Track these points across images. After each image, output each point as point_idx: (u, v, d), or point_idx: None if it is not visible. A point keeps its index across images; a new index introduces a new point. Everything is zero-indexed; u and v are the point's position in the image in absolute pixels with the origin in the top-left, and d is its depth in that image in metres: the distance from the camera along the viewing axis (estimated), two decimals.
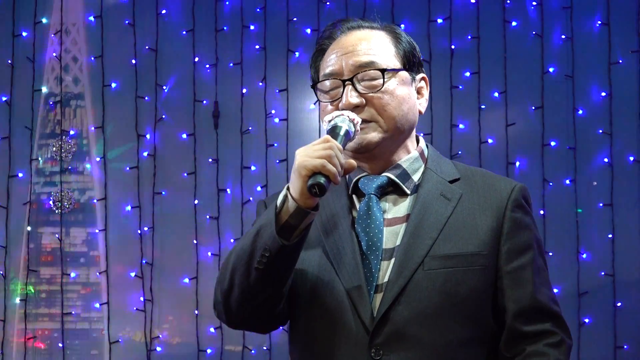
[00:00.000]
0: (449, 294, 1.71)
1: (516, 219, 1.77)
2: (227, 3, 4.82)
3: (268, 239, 1.66)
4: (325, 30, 1.89)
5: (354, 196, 1.84)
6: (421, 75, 1.89)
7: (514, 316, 1.74)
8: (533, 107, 4.71)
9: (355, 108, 1.77)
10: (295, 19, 4.78)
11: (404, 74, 1.83)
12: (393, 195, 1.82)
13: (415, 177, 1.83)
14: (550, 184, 4.67)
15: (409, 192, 1.81)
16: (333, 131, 1.72)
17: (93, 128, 4.76)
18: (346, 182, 1.86)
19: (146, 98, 4.76)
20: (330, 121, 1.74)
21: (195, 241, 4.67)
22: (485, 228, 1.76)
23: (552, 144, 4.68)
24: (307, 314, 1.78)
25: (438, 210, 1.77)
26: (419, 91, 1.88)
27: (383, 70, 1.79)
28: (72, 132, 4.76)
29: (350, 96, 1.78)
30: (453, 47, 4.75)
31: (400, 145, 1.84)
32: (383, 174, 1.82)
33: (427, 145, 1.91)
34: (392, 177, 1.81)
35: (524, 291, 1.74)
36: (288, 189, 1.68)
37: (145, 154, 4.74)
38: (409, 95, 1.83)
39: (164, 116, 4.77)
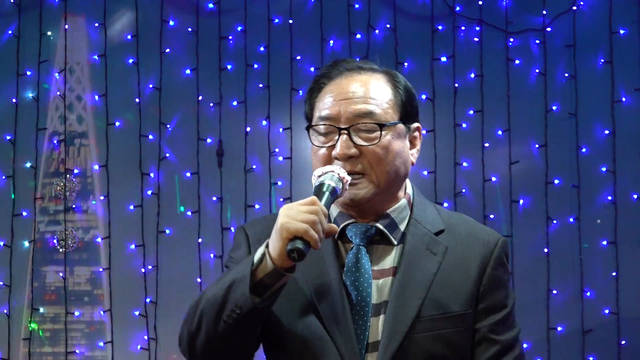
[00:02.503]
0: (436, 357, 1.73)
1: (496, 277, 1.80)
2: (230, 42, 4.83)
3: (240, 296, 1.64)
4: (324, 69, 1.87)
5: (339, 242, 1.82)
6: (415, 125, 1.85)
7: None
8: (537, 145, 4.71)
9: (349, 158, 1.75)
10: (299, 57, 4.78)
11: (400, 127, 1.80)
12: (380, 245, 1.80)
13: (402, 226, 1.82)
14: (554, 221, 4.66)
15: (395, 242, 1.80)
16: (320, 189, 1.69)
17: (97, 167, 4.76)
18: None
19: (150, 136, 4.76)
20: (319, 176, 1.72)
21: (199, 280, 4.66)
22: (468, 284, 1.78)
23: (556, 181, 4.68)
24: None
25: (425, 266, 1.77)
26: (411, 141, 1.84)
27: (381, 125, 1.77)
28: (76, 171, 4.76)
29: (346, 146, 1.75)
30: (456, 85, 4.75)
31: (391, 196, 1.82)
32: (371, 224, 1.80)
33: (413, 190, 1.89)
34: (381, 227, 1.80)
35: (495, 349, 1.77)
36: (267, 246, 1.66)
37: (149, 192, 4.74)
38: (402, 149, 1.80)
39: (167, 155, 4.77)
